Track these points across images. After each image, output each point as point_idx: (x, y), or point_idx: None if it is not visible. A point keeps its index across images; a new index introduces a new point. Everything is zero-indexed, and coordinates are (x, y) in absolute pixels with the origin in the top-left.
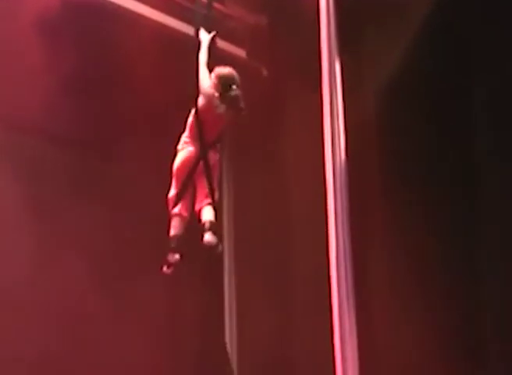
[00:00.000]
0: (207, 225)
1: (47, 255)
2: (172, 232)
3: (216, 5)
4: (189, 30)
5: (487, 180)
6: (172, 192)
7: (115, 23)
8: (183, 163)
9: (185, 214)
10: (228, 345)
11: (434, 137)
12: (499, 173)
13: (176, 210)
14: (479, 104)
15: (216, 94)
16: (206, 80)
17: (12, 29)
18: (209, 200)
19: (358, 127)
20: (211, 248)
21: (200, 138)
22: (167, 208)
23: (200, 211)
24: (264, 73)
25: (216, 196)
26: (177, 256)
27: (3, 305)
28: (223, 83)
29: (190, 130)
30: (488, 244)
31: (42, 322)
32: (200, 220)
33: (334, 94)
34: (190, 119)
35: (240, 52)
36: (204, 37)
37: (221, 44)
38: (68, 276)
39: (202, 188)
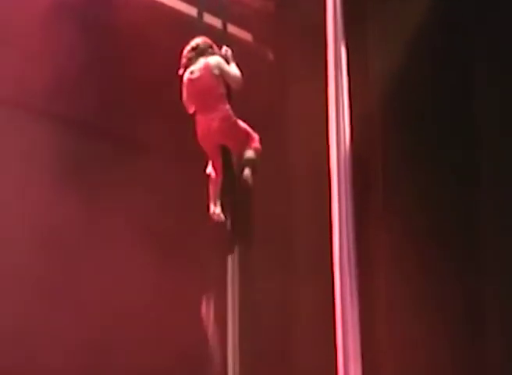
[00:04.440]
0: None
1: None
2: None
3: None
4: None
5: (488, 166)
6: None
7: (118, 3)
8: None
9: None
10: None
11: (438, 125)
12: (497, 147)
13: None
14: (483, 90)
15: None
16: None
17: (18, 11)
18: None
19: (363, 112)
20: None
21: None
22: None
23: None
24: (270, 57)
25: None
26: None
27: None
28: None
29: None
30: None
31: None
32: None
33: (339, 78)
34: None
35: (247, 36)
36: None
37: (227, 27)
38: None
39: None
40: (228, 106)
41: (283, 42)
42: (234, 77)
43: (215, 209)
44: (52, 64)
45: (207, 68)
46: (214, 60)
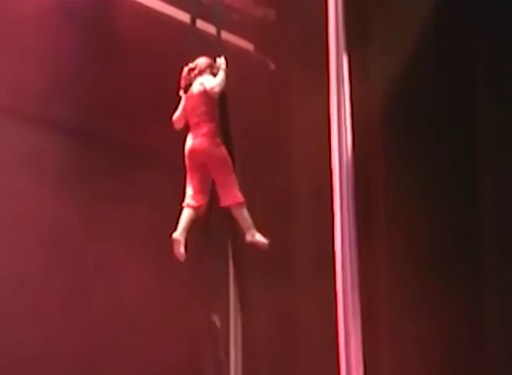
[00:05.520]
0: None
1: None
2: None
3: None
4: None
5: (487, 171)
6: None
7: (114, 10)
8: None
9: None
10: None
11: (438, 130)
12: (498, 163)
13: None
14: (483, 99)
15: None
16: None
17: (13, 17)
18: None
19: (365, 120)
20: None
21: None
22: None
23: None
24: (272, 66)
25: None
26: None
27: None
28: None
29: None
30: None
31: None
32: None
33: (341, 88)
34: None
35: (248, 46)
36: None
37: (228, 37)
38: None
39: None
40: (213, 125)
41: (285, 51)
42: (210, 86)
43: (180, 237)
44: (50, 71)
45: (197, 87)
46: (201, 79)
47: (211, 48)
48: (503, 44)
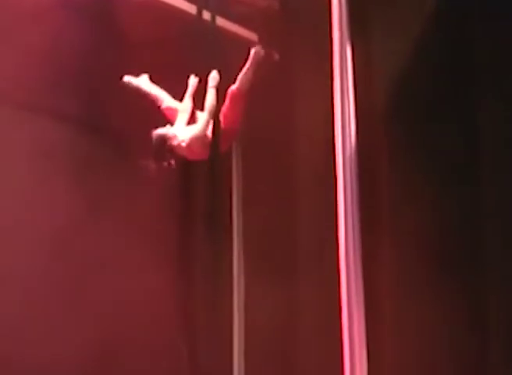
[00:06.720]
0: None
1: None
2: None
3: None
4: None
5: (490, 164)
6: None
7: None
8: None
9: None
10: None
11: (441, 119)
12: (502, 158)
13: None
14: (487, 89)
15: None
16: None
17: (14, 6)
18: None
19: (368, 110)
20: None
21: None
22: None
23: None
24: (276, 57)
25: None
26: None
27: None
28: None
29: None
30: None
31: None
32: None
33: (345, 78)
34: None
35: (252, 36)
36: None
37: (233, 27)
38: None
39: None
40: None
41: (289, 42)
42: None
43: None
44: (53, 62)
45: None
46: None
47: (218, 39)
48: (503, 44)
